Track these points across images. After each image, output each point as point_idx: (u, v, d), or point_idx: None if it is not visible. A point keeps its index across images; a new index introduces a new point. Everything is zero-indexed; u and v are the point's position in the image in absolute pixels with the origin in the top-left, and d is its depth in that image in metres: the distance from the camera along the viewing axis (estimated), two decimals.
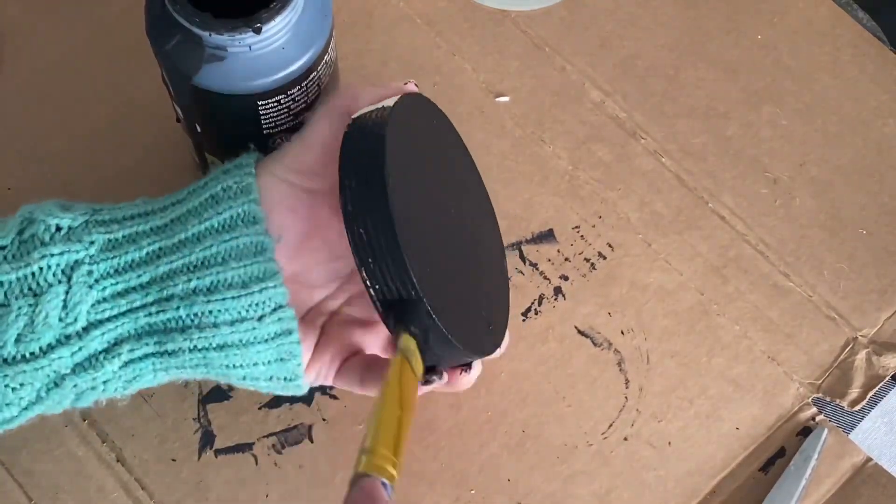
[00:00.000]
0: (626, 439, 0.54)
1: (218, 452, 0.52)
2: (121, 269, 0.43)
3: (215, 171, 0.46)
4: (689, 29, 0.64)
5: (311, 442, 0.53)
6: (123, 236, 0.44)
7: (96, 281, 0.43)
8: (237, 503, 0.52)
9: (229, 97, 0.46)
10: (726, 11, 0.65)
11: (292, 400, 0.54)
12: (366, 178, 0.42)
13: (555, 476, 0.53)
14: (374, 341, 0.50)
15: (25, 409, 0.44)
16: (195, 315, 0.43)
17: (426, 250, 0.43)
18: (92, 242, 0.43)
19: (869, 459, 0.54)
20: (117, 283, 0.43)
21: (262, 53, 0.45)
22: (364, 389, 0.49)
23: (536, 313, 0.56)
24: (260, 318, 0.44)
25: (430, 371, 0.46)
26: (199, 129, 0.51)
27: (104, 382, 0.44)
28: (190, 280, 0.43)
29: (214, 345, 0.44)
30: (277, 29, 0.45)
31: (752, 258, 0.58)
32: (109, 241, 0.43)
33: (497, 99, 0.61)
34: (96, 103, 0.60)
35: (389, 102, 0.45)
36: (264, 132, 0.49)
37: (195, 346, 0.44)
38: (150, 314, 0.44)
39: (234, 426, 0.53)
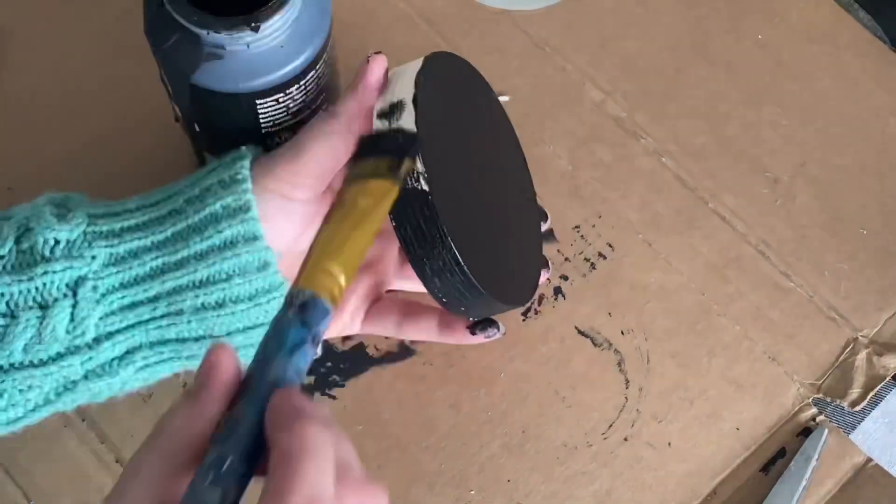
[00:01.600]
0: (626, 440, 0.54)
1: None
2: (126, 283, 0.43)
3: (207, 173, 0.45)
4: (690, 29, 0.64)
5: None
6: (126, 251, 0.43)
7: (102, 296, 0.43)
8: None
9: (228, 96, 0.46)
10: (726, 11, 0.65)
11: None
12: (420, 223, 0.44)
13: (555, 476, 0.53)
14: (387, 274, 0.51)
15: (32, 410, 0.44)
16: (208, 326, 0.44)
17: (463, 211, 0.46)
18: (94, 257, 0.43)
19: (869, 460, 0.54)
20: (124, 297, 0.43)
21: (261, 52, 0.45)
22: (401, 333, 0.52)
23: (536, 313, 0.56)
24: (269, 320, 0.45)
25: (486, 323, 0.50)
26: (197, 129, 0.50)
27: (121, 384, 0.45)
28: (197, 296, 0.44)
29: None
30: (276, 27, 0.45)
31: (752, 258, 0.58)
32: (111, 255, 0.43)
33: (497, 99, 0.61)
34: (96, 104, 0.60)
35: (408, 119, 0.44)
36: (263, 131, 0.49)
37: None
38: (160, 327, 0.44)
39: None
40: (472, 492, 0.52)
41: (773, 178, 0.60)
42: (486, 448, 0.53)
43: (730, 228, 0.59)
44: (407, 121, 0.44)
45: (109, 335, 0.43)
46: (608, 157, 0.60)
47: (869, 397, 0.55)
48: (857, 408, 0.55)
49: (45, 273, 0.42)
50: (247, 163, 0.44)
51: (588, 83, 0.62)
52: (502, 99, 0.61)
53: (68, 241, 0.43)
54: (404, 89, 0.45)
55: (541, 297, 0.56)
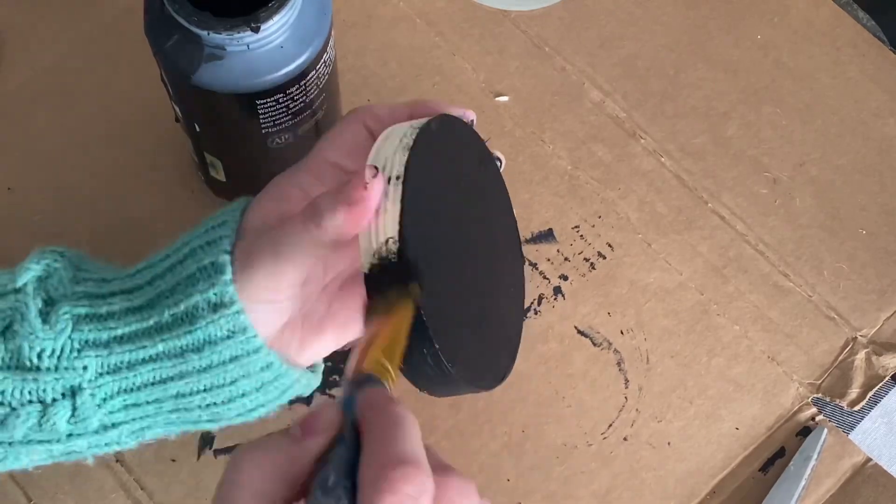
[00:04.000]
0: (625, 439, 0.54)
1: (217, 452, 0.52)
2: (126, 389, 0.42)
3: (186, 278, 0.43)
4: (689, 29, 0.64)
5: None
6: (119, 362, 0.42)
7: (103, 400, 0.42)
8: None
9: (228, 96, 0.46)
10: (726, 11, 0.65)
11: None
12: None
13: (554, 476, 0.53)
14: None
15: (36, 463, 0.45)
16: (217, 415, 0.45)
17: (449, 307, 0.43)
18: (85, 368, 0.42)
19: (869, 459, 0.54)
20: (126, 400, 0.43)
21: (261, 52, 0.45)
22: None
23: (536, 313, 0.56)
24: (277, 398, 0.45)
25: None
26: (198, 129, 0.51)
27: (127, 449, 0.45)
28: (205, 398, 0.43)
29: (238, 423, 0.46)
30: (276, 28, 0.45)
31: (751, 258, 0.58)
32: (104, 364, 0.42)
33: (497, 99, 0.61)
34: (96, 103, 0.60)
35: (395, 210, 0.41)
36: (263, 131, 0.49)
37: (219, 426, 0.46)
38: (169, 420, 0.44)
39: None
40: None
41: (772, 178, 0.60)
42: (485, 448, 0.53)
43: (729, 228, 0.59)
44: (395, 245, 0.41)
45: (115, 425, 0.43)
46: (608, 156, 0.60)
47: (868, 397, 0.55)
48: (857, 407, 0.55)
49: (37, 380, 0.41)
50: (228, 277, 0.42)
51: (588, 83, 0.62)
52: (502, 99, 0.61)
53: (54, 350, 0.41)
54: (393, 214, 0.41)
55: (540, 297, 0.57)
